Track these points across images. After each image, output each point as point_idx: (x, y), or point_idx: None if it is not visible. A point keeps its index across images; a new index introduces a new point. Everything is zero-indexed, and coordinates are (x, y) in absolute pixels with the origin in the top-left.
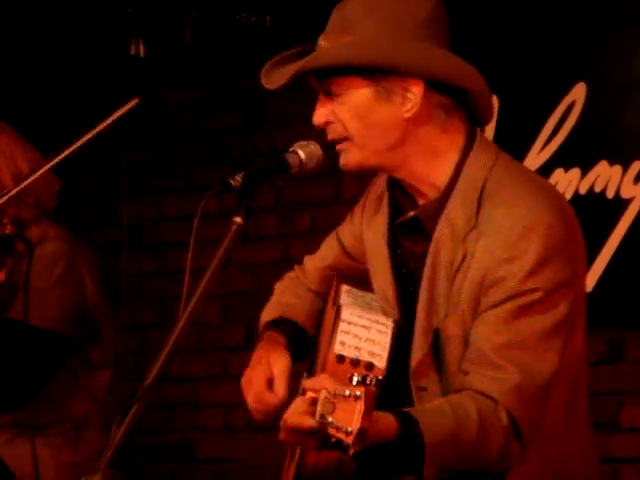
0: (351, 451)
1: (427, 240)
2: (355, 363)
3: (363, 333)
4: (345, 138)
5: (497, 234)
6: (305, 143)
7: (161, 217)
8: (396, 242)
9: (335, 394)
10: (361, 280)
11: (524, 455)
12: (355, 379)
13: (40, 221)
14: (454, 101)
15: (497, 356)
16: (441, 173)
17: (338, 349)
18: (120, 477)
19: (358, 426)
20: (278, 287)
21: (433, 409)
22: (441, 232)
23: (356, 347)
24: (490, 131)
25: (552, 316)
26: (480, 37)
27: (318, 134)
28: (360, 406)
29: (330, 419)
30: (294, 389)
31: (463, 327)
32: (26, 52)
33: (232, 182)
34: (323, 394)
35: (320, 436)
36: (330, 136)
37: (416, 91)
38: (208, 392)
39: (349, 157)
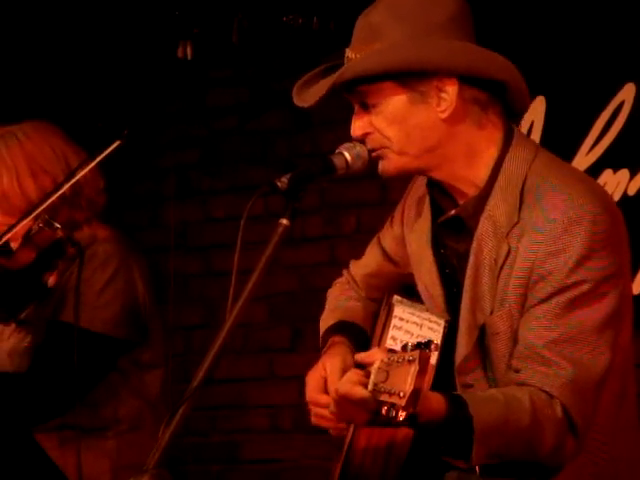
0: (404, 416)
1: (470, 238)
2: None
3: (415, 330)
4: (384, 147)
5: (541, 228)
6: (351, 144)
7: (207, 218)
8: (439, 242)
9: (389, 363)
10: (409, 291)
11: (579, 450)
12: (409, 345)
13: (91, 222)
14: (489, 95)
15: (549, 352)
16: (480, 170)
17: (389, 344)
18: (168, 477)
19: (412, 387)
20: (331, 293)
21: (484, 395)
22: (483, 229)
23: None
24: (537, 132)
25: (602, 309)
26: (528, 37)
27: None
28: (414, 367)
29: (384, 387)
30: None
31: (510, 323)
32: (76, 55)
33: (278, 184)
34: (376, 364)
35: (373, 406)
36: (369, 145)
37: (450, 90)
38: (254, 393)
39: (388, 164)
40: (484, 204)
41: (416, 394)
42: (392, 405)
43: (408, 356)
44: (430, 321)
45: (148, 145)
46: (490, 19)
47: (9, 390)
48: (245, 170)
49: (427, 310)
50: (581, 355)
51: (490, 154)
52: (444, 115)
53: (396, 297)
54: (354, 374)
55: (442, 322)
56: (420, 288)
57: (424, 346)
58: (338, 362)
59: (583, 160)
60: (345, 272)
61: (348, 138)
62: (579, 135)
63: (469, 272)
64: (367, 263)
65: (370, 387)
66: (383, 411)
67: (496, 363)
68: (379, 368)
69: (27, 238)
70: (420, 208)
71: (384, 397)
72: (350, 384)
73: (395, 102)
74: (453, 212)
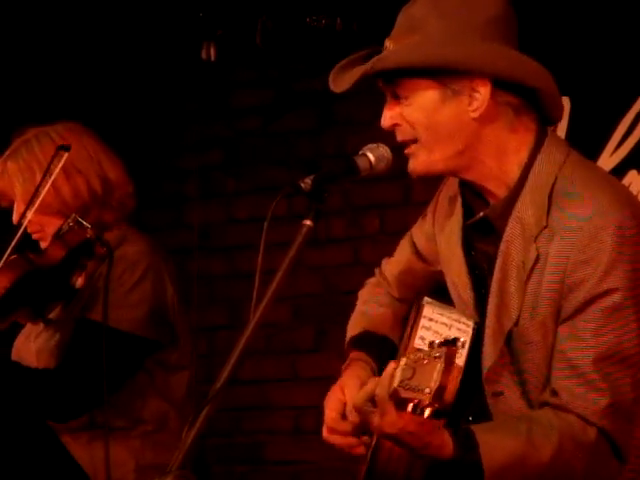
0: (428, 410)
1: (498, 240)
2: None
3: (444, 330)
4: (413, 140)
5: (570, 236)
6: (375, 145)
7: (231, 219)
8: (470, 244)
9: (415, 360)
10: (440, 293)
11: (623, 470)
12: (436, 343)
13: (120, 224)
14: (523, 100)
15: (588, 370)
16: (511, 171)
17: (417, 343)
18: (192, 478)
19: (437, 384)
20: (361, 295)
21: (504, 428)
22: (511, 231)
23: None
24: (562, 132)
25: (638, 317)
26: (552, 37)
27: (387, 136)
28: (440, 364)
29: (410, 384)
30: None
31: (544, 333)
32: (101, 56)
33: (302, 185)
34: (403, 361)
35: (396, 402)
36: (399, 138)
37: (483, 91)
38: (278, 394)
39: (417, 161)
40: (513, 206)
41: (441, 390)
42: (417, 405)
43: (434, 352)
44: (459, 322)
45: (171, 146)
46: (524, 14)
47: (37, 386)
48: (268, 171)
49: (457, 311)
50: (621, 376)
51: (521, 155)
52: (475, 114)
53: (426, 299)
54: (387, 376)
55: (471, 323)
56: (449, 288)
57: (451, 343)
58: (356, 385)
59: (607, 161)
60: (377, 271)
61: (372, 139)
62: (603, 136)
63: (496, 274)
64: (399, 260)
65: (396, 384)
66: (409, 408)
67: (531, 371)
68: (406, 365)
69: (57, 237)
70: (452, 208)
71: (409, 394)
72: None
73: (427, 96)
74: (481, 214)
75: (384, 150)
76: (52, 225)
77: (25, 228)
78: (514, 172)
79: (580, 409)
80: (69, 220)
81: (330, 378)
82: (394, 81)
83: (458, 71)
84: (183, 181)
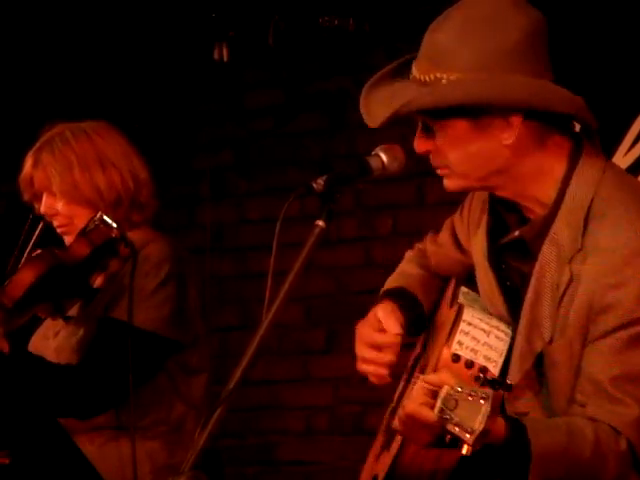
0: (467, 450)
1: (532, 259)
2: (469, 365)
3: (482, 336)
4: (447, 166)
5: (603, 258)
6: (387, 146)
7: (243, 220)
8: (499, 257)
9: (459, 391)
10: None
11: None
12: (481, 380)
13: (144, 224)
14: (554, 118)
15: (615, 389)
16: (547, 190)
17: (455, 348)
18: (205, 479)
19: (482, 427)
20: (407, 255)
21: (546, 422)
22: (547, 253)
23: (473, 349)
24: None
25: None
26: (565, 38)
27: (400, 137)
28: (486, 407)
29: (451, 415)
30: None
31: (570, 354)
32: (112, 58)
33: (314, 185)
34: (445, 389)
35: (437, 431)
36: (433, 164)
37: (514, 121)
38: (289, 395)
39: (451, 183)
40: (549, 227)
41: (485, 434)
42: (457, 439)
43: (481, 392)
44: (498, 329)
45: (184, 147)
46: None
47: (60, 381)
48: (280, 172)
49: (496, 317)
50: None
51: (557, 174)
52: (507, 142)
53: (463, 289)
54: (421, 393)
55: (509, 332)
56: (481, 293)
57: (498, 385)
58: (391, 309)
59: (621, 161)
60: (418, 244)
61: (384, 140)
62: (617, 136)
63: (529, 296)
64: (441, 243)
65: (436, 411)
66: (447, 439)
67: (554, 392)
68: (448, 395)
69: (83, 234)
70: (482, 215)
71: (451, 427)
72: (417, 405)
73: (458, 128)
74: (517, 234)
75: (397, 151)
76: (82, 217)
77: (47, 223)
78: (550, 191)
79: (610, 421)
80: (95, 218)
81: (342, 379)
82: (424, 114)
83: (492, 107)
84: (195, 182)
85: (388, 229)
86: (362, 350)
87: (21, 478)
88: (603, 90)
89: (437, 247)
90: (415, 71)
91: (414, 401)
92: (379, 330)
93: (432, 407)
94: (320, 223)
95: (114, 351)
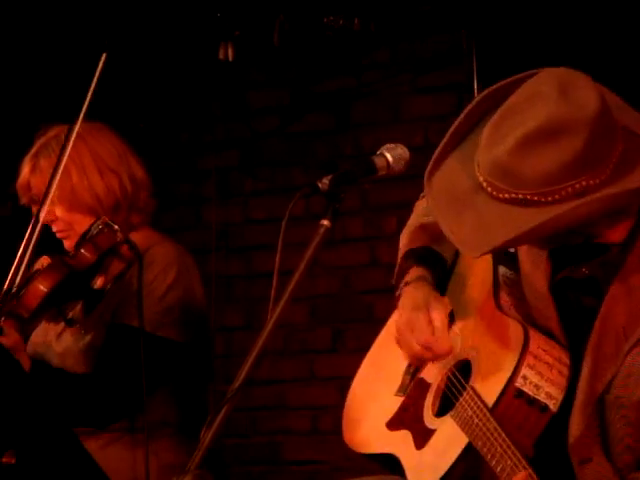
0: None
1: (598, 295)
2: (530, 402)
3: (546, 372)
4: None
5: None
6: (392, 145)
7: (248, 219)
8: (560, 285)
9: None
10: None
11: None
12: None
13: (144, 225)
14: None
15: None
16: (619, 230)
17: (520, 383)
18: (210, 478)
19: None
20: (417, 206)
21: None
22: (616, 293)
23: (536, 385)
24: None
25: None
26: (569, 38)
27: (405, 136)
28: None
29: None
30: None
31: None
32: (117, 57)
33: (320, 185)
34: None
35: None
36: None
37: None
38: (295, 394)
39: None
40: (620, 265)
41: None
42: None
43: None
44: (560, 362)
45: (189, 147)
46: (531, 20)
47: (75, 391)
48: (286, 171)
49: (558, 345)
50: None
51: (631, 215)
52: None
53: (502, 269)
54: None
55: (569, 362)
56: (529, 300)
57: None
58: (445, 314)
59: None
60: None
61: (389, 139)
62: None
63: (593, 337)
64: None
65: None
66: None
67: (616, 434)
68: None
69: (88, 240)
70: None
71: None
72: None
73: None
74: (586, 271)
75: (402, 150)
76: (81, 223)
77: (45, 227)
78: (623, 230)
79: None
80: (98, 223)
81: (347, 378)
82: None
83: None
84: (201, 182)
85: (393, 229)
86: (422, 352)
87: (27, 478)
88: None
89: (427, 220)
90: (486, 185)
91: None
92: (429, 325)
93: None
94: (325, 223)
95: (127, 358)
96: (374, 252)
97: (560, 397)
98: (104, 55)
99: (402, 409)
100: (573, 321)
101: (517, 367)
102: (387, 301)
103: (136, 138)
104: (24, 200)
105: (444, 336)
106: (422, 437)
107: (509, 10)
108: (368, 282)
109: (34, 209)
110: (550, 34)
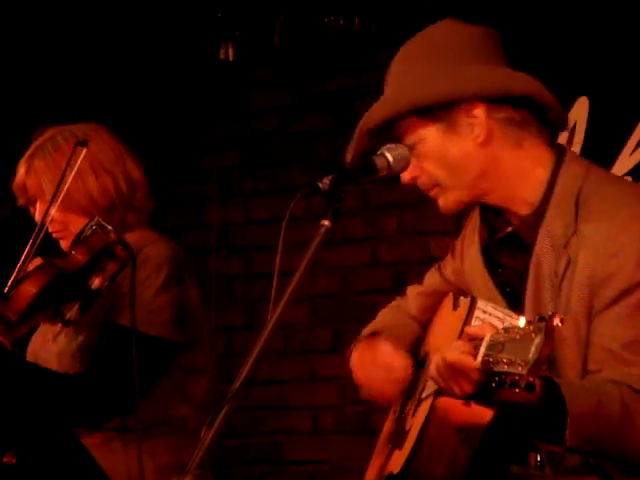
0: (523, 382)
1: (527, 254)
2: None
3: (498, 324)
4: (434, 185)
5: (597, 233)
6: (393, 146)
7: (249, 220)
8: (495, 262)
9: (503, 336)
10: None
11: None
12: (523, 320)
13: (140, 225)
14: (525, 114)
15: (629, 353)
16: (534, 189)
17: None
18: (210, 478)
19: (536, 356)
20: (381, 312)
21: (574, 382)
22: (542, 244)
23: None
24: (580, 132)
25: None
26: (570, 38)
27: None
28: (540, 338)
29: (499, 358)
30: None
31: (576, 329)
32: (118, 58)
33: (320, 185)
34: (489, 336)
35: (481, 378)
36: (421, 188)
37: (478, 113)
38: (296, 394)
39: (445, 200)
40: (541, 219)
41: (539, 364)
42: (509, 375)
43: (533, 327)
44: (511, 317)
45: (190, 147)
46: (532, 19)
47: (67, 391)
48: (287, 171)
49: (508, 309)
50: None
51: (541, 174)
52: (479, 140)
53: (463, 298)
54: (462, 344)
55: (523, 320)
56: (473, 292)
57: (548, 318)
58: (390, 347)
59: (627, 161)
60: (398, 298)
61: (390, 140)
62: (622, 136)
63: (530, 286)
64: (425, 284)
65: (480, 359)
66: (493, 383)
67: (563, 370)
68: (492, 340)
69: (81, 240)
70: (474, 235)
71: (500, 367)
72: (460, 353)
73: (429, 138)
74: (510, 229)
75: (402, 150)
76: (77, 224)
77: (46, 227)
78: (538, 189)
79: (629, 382)
80: (92, 223)
81: (348, 378)
82: (397, 132)
83: (447, 103)
84: (202, 182)
85: (394, 229)
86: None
87: (28, 478)
88: (609, 91)
89: (421, 289)
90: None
91: (456, 350)
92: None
93: (475, 355)
94: (326, 223)
95: (120, 358)
96: (375, 252)
97: (560, 323)
98: (84, 150)
99: (388, 443)
100: (510, 286)
101: (466, 322)
102: (388, 301)
103: (137, 138)
104: (21, 201)
105: (399, 355)
106: (397, 441)
107: (509, 10)
108: (369, 282)
109: (32, 210)
110: (550, 34)
